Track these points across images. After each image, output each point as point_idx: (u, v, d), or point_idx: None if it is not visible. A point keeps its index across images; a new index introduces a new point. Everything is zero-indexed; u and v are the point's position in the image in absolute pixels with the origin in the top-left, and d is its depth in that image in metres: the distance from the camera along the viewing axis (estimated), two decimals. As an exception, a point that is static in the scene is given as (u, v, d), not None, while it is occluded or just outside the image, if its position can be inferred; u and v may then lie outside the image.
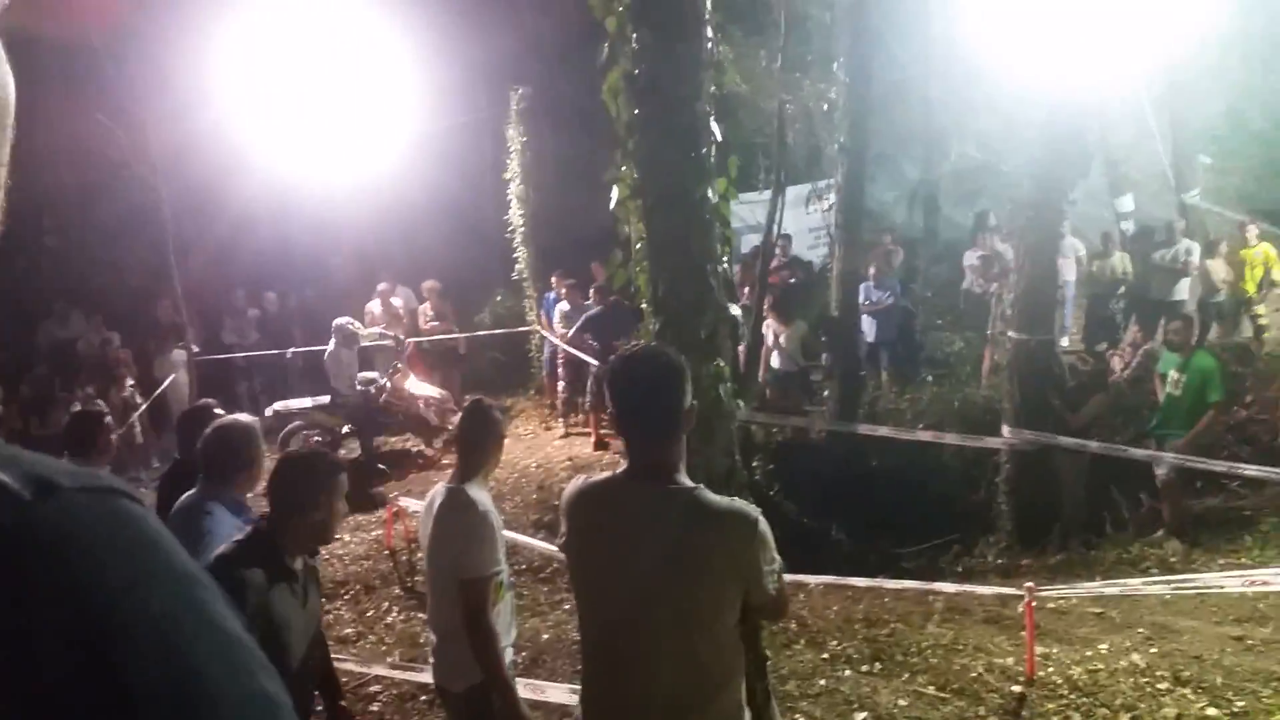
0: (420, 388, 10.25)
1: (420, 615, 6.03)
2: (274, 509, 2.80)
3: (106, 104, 10.39)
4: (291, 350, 12.81)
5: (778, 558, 2.24)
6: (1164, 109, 15.21)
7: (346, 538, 8.11)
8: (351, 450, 10.06)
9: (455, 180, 15.00)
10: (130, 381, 10.98)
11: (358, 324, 10.45)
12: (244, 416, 3.76)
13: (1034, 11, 7.42)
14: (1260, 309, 10.95)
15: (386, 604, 6.69)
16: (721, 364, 5.39)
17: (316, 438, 10.35)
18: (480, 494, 3.33)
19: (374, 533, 8.08)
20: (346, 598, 6.91)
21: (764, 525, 2.19)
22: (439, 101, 12.85)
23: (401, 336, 11.00)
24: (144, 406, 10.87)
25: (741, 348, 9.29)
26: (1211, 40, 14.03)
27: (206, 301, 12.94)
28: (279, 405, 10.25)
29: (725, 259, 5.95)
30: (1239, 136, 16.70)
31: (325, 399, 10.04)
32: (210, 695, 0.58)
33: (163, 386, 11.26)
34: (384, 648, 6.02)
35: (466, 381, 12.26)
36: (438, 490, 3.42)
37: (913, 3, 13.54)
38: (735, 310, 5.94)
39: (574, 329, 10.65)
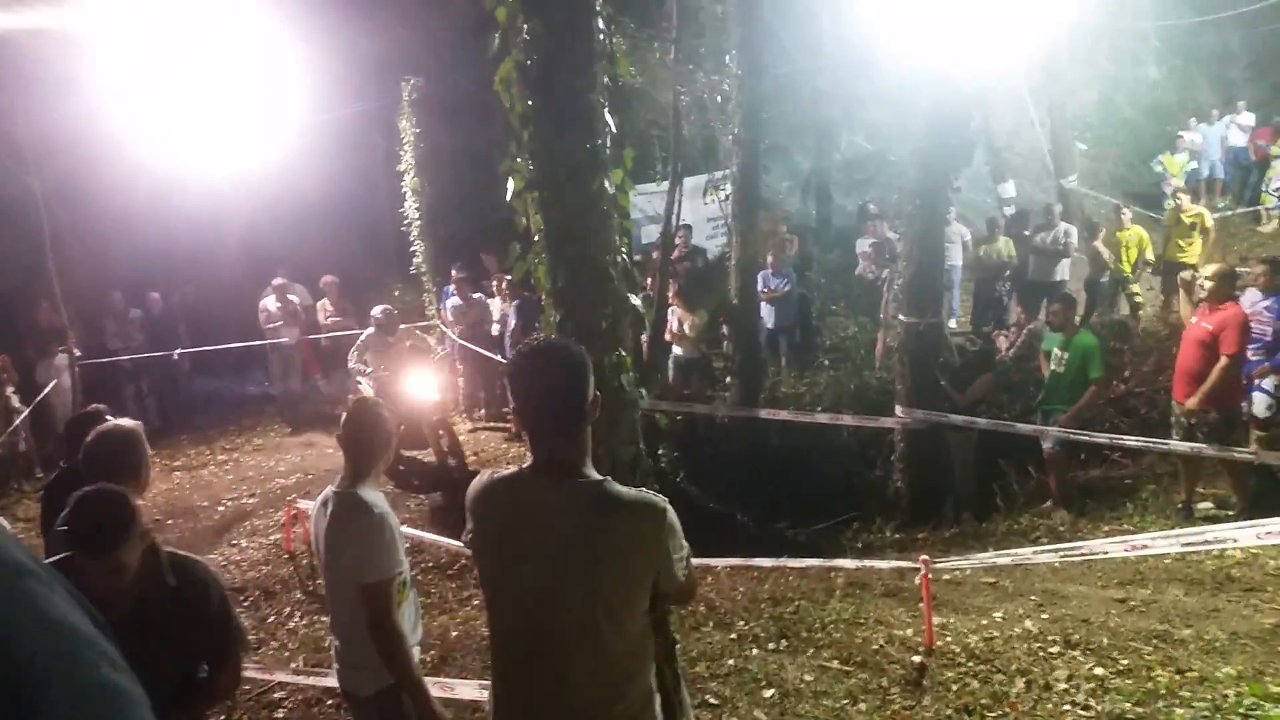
0: (417, 390, 9.00)
1: (323, 619, 5.89)
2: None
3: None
4: (179, 351, 12.35)
5: (685, 544, 2.26)
6: (1042, 99, 15.89)
7: (244, 543, 7.87)
8: None
9: (347, 173, 14.66)
10: (10, 388, 10.41)
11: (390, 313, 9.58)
12: (126, 421, 3.60)
13: (918, 4, 7.63)
14: (1135, 288, 11.56)
15: (288, 609, 6.51)
16: (623, 354, 5.43)
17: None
18: (374, 495, 3.24)
19: (272, 537, 7.85)
20: (246, 604, 6.71)
21: (671, 513, 2.21)
22: (328, 93, 12.53)
23: (426, 337, 10.28)
24: (26, 413, 10.32)
25: (645, 337, 9.35)
26: (1083, 33, 14.73)
27: (87, 302, 12.35)
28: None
29: (624, 249, 5.99)
30: (1111, 124, 17.59)
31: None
32: (42, 688, 0.54)
33: (45, 392, 10.71)
34: (287, 653, 5.86)
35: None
36: (328, 494, 3.32)
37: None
38: (636, 300, 6.00)
39: (510, 330, 10.52)
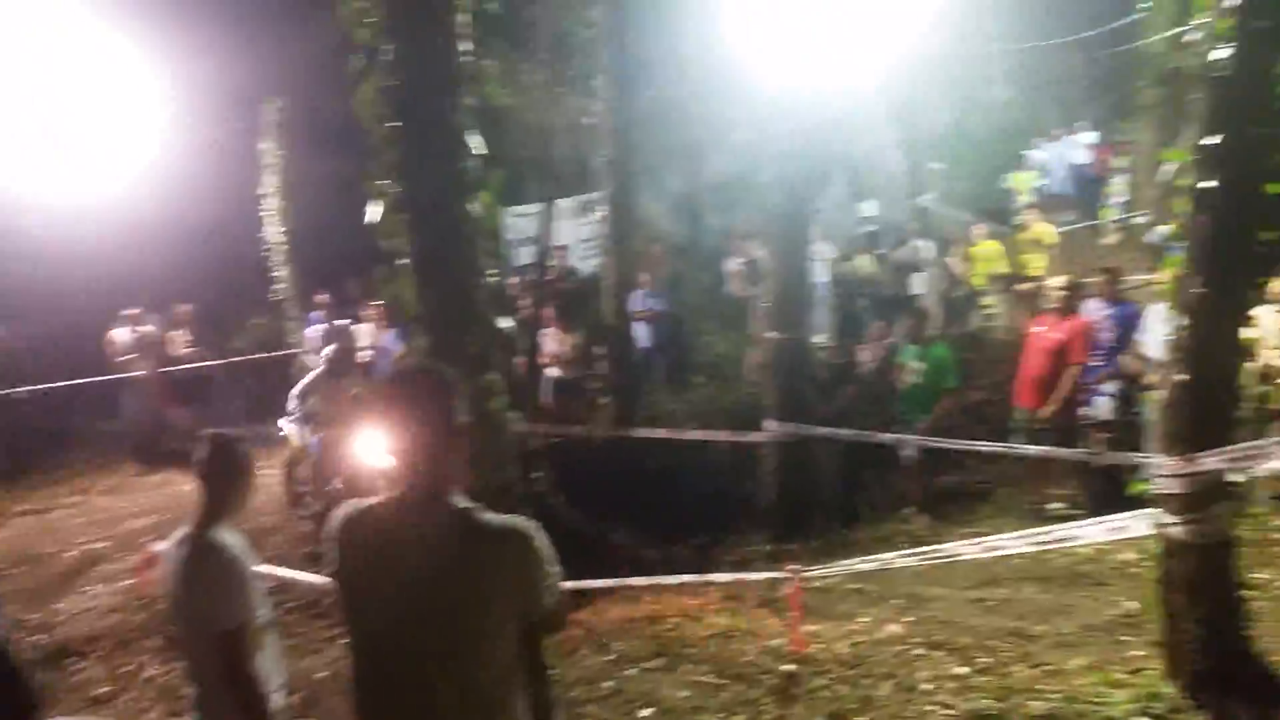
0: (368, 453, 7.25)
1: (182, 666, 5.62)
2: None
3: None
4: (26, 388, 11.59)
5: (557, 569, 2.25)
6: (900, 121, 16.63)
7: (96, 589, 7.44)
8: None
9: (206, 199, 14.06)
10: None
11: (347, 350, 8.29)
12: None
13: (779, 33, 7.90)
14: (987, 301, 12.18)
15: (144, 658, 6.18)
16: (494, 377, 5.39)
17: None
18: (229, 537, 3.12)
19: (126, 582, 7.44)
20: (98, 654, 6.33)
21: (539, 540, 2.20)
22: (185, 116, 12.04)
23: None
24: None
25: (520, 359, 9.30)
26: (937, 58, 15.49)
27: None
28: None
29: (494, 272, 5.96)
30: (965, 144, 18.51)
31: None
32: None
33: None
34: (144, 704, 5.56)
35: (225, 412, 11.55)
36: (180, 536, 3.18)
37: (671, 23, 14.07)
38: (507, 323, 5.97)
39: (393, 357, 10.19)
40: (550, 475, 8.16)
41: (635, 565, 6.96)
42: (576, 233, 14.57)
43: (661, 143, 15.88)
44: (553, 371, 9.88)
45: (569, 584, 2.39)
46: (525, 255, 13.96)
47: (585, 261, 14.48)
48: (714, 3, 8.92)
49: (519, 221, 14.14)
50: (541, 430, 8.86)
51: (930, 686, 4.65)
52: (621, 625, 5.80)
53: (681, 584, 6.20)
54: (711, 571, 6.45)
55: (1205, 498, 3.95)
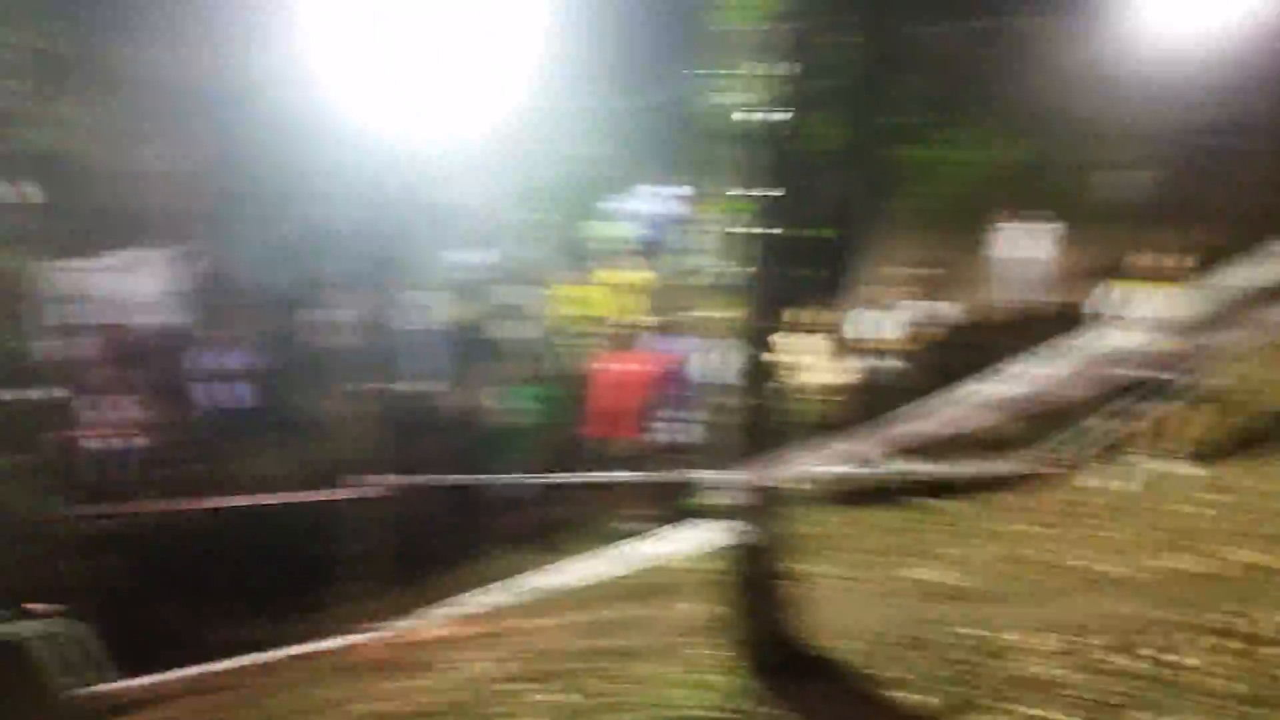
0: None
1: None
2: None
3: None
4: None
5: (83, 675, 1.96)
6: (503, 172, 17.24)
7: None
8: None
9: None
10: None
11: None
12: None
13: (374, 80, 7.84)
14: (578, 341, 12.89)
15: None
16: (9, 459, 4.71)
17: None
18: None
19: None
20: None
21: (37, 649, 1.91)
22: None
23: None
24: None
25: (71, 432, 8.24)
26: (540, 115, 16.34)
27: None
28: None
29: (17, 336, 5.25)
30: (564, 196, 19.63)
31: None
32: None
33: None
34: None
35: None
36: None
37: (262, 65, 13.46)
38: (38, 394, 5.26)
39: None
40: (118, 561, 7.29)
41: (226, 648, 6.36)
42: (155, 286, 13.29)
43: (258, 191, 15.05)
44: (118, 443, 8.80)
45: (133, 681, 2.08)
46: (89, 313, 12.47)
47: (164, 317, 13.25)
48: (308, 46, 8.66)
49: (84, 277, 12.61)
50: (102, 511, 7.85)
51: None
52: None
53: (274, 660, 5.78)
54: (308, 640, 6.08)
55: (761, 504, 4.41)
